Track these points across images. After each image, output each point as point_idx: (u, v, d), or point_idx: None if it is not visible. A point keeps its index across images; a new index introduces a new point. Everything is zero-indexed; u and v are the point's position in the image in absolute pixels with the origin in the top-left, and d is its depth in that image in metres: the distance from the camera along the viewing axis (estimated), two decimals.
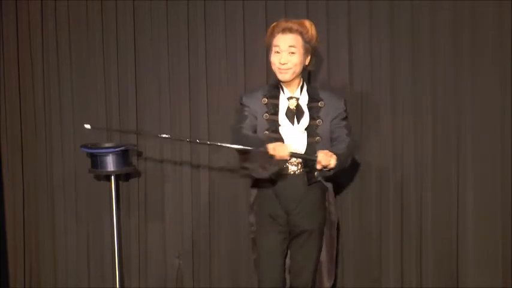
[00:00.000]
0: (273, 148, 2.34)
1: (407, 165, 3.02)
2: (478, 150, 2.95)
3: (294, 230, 2.59)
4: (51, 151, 3.37)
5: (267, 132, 2.53)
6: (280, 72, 2.51)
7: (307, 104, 2.57)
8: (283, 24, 2.50)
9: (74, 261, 3.39)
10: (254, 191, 2.66)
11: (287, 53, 2.48)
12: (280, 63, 2.49)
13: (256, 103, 2.57)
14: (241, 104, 2.61)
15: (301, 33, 2.49)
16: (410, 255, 3.04)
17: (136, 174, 3.30)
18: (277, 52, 2.49)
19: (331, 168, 2.37)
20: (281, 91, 2.58)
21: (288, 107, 2.56)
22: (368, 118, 3.04)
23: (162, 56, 3.22)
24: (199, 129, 3.21)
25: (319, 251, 2.64)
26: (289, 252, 2.67)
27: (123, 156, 3.11)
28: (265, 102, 2.57)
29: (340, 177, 2.88)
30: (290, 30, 2.48)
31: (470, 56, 2.92)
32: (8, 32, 3.36)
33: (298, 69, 2.52)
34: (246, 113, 2.57)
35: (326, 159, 2.34)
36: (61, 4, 3.29)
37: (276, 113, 2.55)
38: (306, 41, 2.50)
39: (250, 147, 2.41)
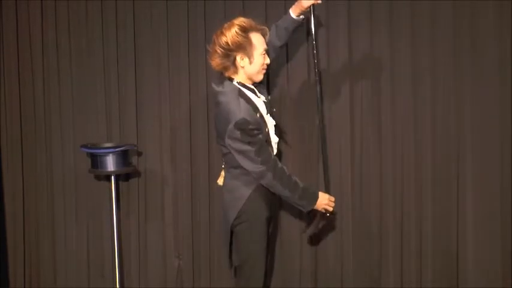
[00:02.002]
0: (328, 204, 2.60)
1: (407, 165, 3.02)
2: (477, 150, 2.95)
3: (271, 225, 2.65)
4: (51, 151, 3.37)
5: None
6: (263, 74, 2.51)
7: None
8: (254, 23, 2.45)
9: (73, 261, 3.39)
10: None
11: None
12: (266, 63, 2.49)
13: (257, 120, 2.43)
14: (249, 129, 2.36)
15: None
16: (410, 256, 3.05)
17: (136, 174, 3.30)
18: (263, 54, 2.46)
19: None
20: (251, 94, 2.50)
21: (264, 103, 2.54)
22: (367, 119, 3.05)
23: (162, 56, 3.22)
24: (198, 128, 3.21)
25: None
26: None
27: (123, 156, 3.11)
28: (259, 116, 2.46)
29: None
30: (262, 31, 2.48)
31: (470, 56, 2.93)
32: (8, 32, 3.36)
33: None
34: (261, 136, 2.41)
35: None
36: (61, 4, 3.29)
37: (264, 122, 2.49)
38: None
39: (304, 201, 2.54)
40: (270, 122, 2.55)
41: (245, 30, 2.39)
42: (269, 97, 2.68)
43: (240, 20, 2.42)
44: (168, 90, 3.23)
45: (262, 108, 2.51)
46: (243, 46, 2.39)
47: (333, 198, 2.62)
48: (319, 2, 2.54)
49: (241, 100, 2.41)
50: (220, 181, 2.65)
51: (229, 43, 2.39)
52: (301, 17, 2.61)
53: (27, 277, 3.45)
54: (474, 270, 2.98)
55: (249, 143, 2.36)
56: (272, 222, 2.66)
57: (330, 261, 3.12)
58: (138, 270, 3.32)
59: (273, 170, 2.41)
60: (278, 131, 2.68)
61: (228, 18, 3.04)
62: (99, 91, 3.29)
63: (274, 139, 2.59)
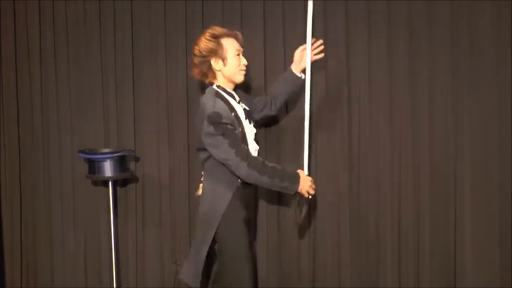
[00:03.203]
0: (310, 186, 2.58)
1: (405, 166, 3.03)
2: (475, 151, 2.96)
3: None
4: (49, 156, 3.37)
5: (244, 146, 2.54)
6: (242, 74, 2.60)
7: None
8: (225, 30, 2.59)
9: (71, 267, 3.38)
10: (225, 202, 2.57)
11: (242, 55, 2.59)
12: (244, 65, 2.59)
13: (231, 117, 2.51)
14: (222, 123, 2.44)
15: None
16: (408, 257, 3.05)
17: (134, 179, 3.30)
18: (238, 55, 2.57)
19: None
20: (229, 96, 2.59)
21: (244, 110, 2.63)
22: (365, 121, 3.06)
23: (159, 57, 3.22)
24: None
25: None
26: None
27: (121, 162, 3.11)
28: (234, 115, 2.54)
29: None
30: (235, 36, 2.59)
31: (468, 56, 2.94)
32: (6, 34, 3.36)
33: None
34: (235, 131, 2.49)
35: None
36: (59, 4, 3.29)
37: (240, 124, 2.56)
38: None
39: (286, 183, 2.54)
40: (249, 129, 2.62)
41: (215, 36, 2.55)
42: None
43: (211, 28, 2.60)
44: (165, 95, 3.24)
45: (240, 112, 2.59)
46: (214, 50, 2.54)
47: (312, 179, 2.61)
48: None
49: (217, 99, 2.53)
50: (199, 192, 2.66)
51: (201, 50, 2.57)
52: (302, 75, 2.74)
53: (24, 282, 3.43)
54: (473, 271, 2.98)
55: (222, 135, 2.45)
56: (251, 224, 2.70)
57: (328, 262, 3.11)
58: (136, 275, 3.31)
59: (246, 159, 2.47)
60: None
61: (226, 19, 3.11)
62: (96, 96, 3.30)
63: (254, 146, 2.65)
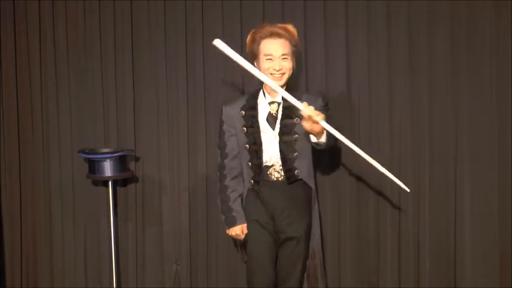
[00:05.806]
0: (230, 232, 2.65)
1: (405, 167, 3.03)
2: (475, 151, 2.97)
3: (281, 237, 2.57)
4: (49, 156, 3.36)
5: (247, 146, 2.54)
6: (274, 79, 2.45)
7: (284, 103, 2.53)
8: (269, 29, 2.48)
9: (71, 267, 3.37)
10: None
11: (280, 59, 2.45)
12: (275, 69, 2.45)
13: (235, 115, 2.58)
14: (221, 117, 2.64)
15: (288, 38, 2.48)
16: (408, 258, 3.05)
17: (134, 179, 3.29)
18: (270, 59, 2.45)
19: (320, 132, 2.31)
20: (262, 96, 2.57)
21: (269, 112, 2.55)
22: (365, 120, 3.06)
23: (159, 57, 3.22)
24: (197, 134, 3.21)
25: (307, 256, 2.61)
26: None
27: (121, 162, 3.10)
28: (243, 115, 2.56)
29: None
30: (278, 35, 2.46)
31: (468, 56, 2.94)
32: (6, 34, 3.35)
33: (290, 74, 2.51)
34: (225, 134, 2.61)
35: (313, 111, 2.22)
36: (59, 4, 3.28)
37: (253, 124, 2.54)
38: (293, 45, 2.50)
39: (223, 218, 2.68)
40: (269, 131, 2.54)
41: (253, 38, 2.51)
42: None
43: (255, 29, 2.55)
44: (166, 94, 3.23)
45: (262, 113, 2.55)
46: (254, 52, 2.52)
47: (241, 236, 2.63)
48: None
49: (245, 96, 2.66)
50: None
51: (247, 51, 2.56)
52: (322, 140, 2.40)
53: (24, 282, 3.43)
54: (473, 271, 2.98)
55: (218, 133, 2.66)
56: (272, 233, 2.58)
57: (328, 264, 3.10)
58: (136, 275, 3.30)
59: (219, 170, 2.68)
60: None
61: (226, 18, 3.11)
62: (96, 96, 3.29)
63: (274, 153, 2.54)
